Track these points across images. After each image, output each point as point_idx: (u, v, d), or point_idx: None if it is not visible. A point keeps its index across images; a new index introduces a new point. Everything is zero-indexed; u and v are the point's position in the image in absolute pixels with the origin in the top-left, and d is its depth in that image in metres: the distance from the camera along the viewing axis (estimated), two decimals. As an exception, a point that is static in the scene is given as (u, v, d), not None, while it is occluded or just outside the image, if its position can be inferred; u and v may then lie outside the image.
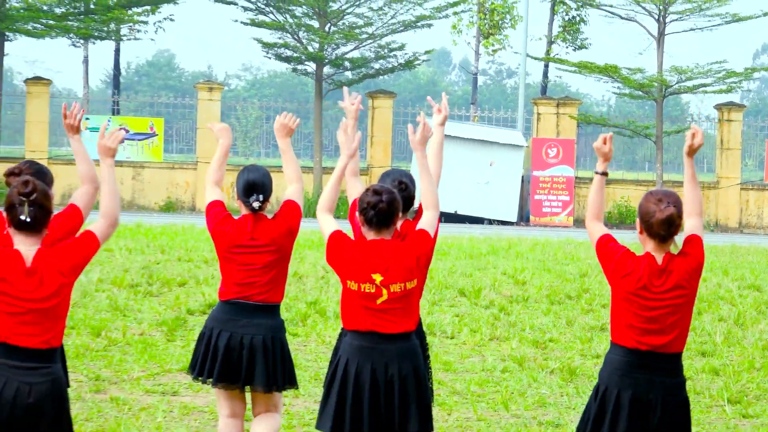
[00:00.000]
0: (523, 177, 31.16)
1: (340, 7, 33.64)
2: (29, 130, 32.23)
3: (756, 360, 11.56)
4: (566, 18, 37.90)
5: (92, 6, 33.33)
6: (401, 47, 34.34)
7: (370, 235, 6.01)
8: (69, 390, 5.86)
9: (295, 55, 33.70)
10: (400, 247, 5.99)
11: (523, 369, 10.81)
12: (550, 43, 38.07)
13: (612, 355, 5.71)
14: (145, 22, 35.23)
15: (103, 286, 14.19)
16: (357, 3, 33.66)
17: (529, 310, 14.10)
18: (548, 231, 28.08)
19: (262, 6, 33.71)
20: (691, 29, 34.21)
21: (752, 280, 17.21)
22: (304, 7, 33.28)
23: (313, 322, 12.63)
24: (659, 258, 5.64)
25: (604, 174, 5.88)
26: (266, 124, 37.56)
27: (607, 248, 5.72)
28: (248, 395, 6.94)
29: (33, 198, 5.30)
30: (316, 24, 33.48)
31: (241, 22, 34.06)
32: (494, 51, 39.10)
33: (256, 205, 6.67)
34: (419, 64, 36.31)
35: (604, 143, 5.87)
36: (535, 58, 36.74)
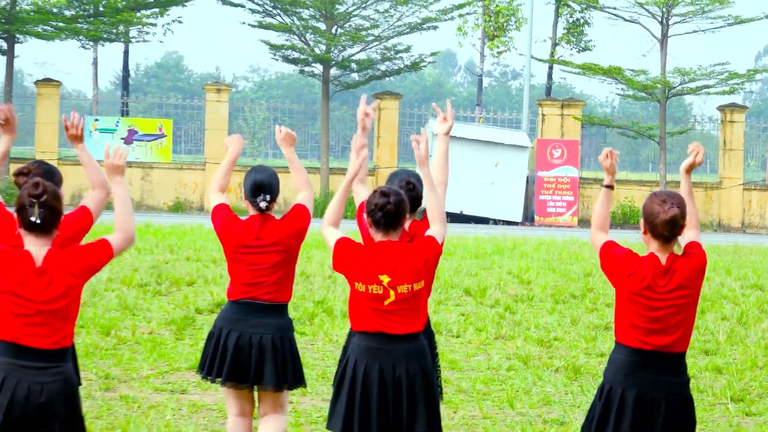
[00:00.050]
0: (527, 177, 31.19)
1: (347, 9, 33.71)
2: (39, 131, 32.31)
3: (759, 358, 11.58)
4: (570, 20, 37.93)
5: (101, 8, 33.41)
6: (407, 49, 34.43)
7: (377, 236, 6.03)
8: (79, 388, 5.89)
9: (302, 57, 33.80)
10: (408, 248, 6.00)
11: (528, 367, 10.84)
12: (555, 45, 38.09)
13: (616, 355, 5.74)
14: (154, 25, 35.31)
15: (112, 286, 14.24)
16: (363, 5, 33.75)
17: (534, 309, 14.13)
18: (553, 231, 28.10)
19: (270, 8, 33.80)
20: (694, 31, 34.23)
21: (755, 279, 17.22)
22: (311, 9, 33.37)
23: (321, 321, 12.68)
24: (663, 258, 5.66)
25: (610, 187, 5.89)
26: (273, 125, 37.66)
27: (610, 252, 5.74)
28: (255, 394, 6.97)
29: (43, 200, 5.31)
30: (322, 26, 33.57)
31: (249, 25, 34.14)
32: (499, 53, 39.13)
33: (263, 205, 6.69)
34: (425, 66, 36.44)
35: (607, 157, 5.89)
36: (540, 60, 36.79)
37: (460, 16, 36.23)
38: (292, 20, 33.65)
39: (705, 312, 14.07)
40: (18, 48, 33.05)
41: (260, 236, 6.69)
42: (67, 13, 33.46)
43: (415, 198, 6.60)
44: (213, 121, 32.87)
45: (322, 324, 12.51)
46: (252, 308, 6.71)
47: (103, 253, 5.46)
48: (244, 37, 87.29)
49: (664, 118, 33.23)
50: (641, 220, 5.75)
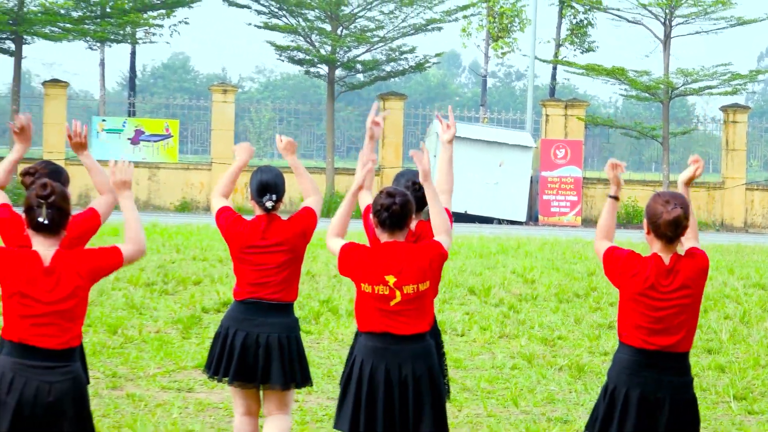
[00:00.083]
0: (531, 177, 31.22)
1: (352, 10, 33.78)
2: (47, 131, 32.39)
3: (761, 357, 11.60)
4: (574, 21, 37.99)
5: (108, 10, 33.47)
6: (412, 50, 34.50)
7: (383, 237, 6.05)
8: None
9: (307, 57, 33.87)
10: (413, 249, 6.01)
11: (532, 366, 10.86)
12: (558, 45, 38.15)
13: (620, 355, 5.76)
14: (161, 26, 35.39)
15: (119, 285, 14.26)
16: (368, 7, 33.82)
17: (538, 308, 14.16)
18: (556, 230, 28.10)
19: (275, 10, 33.88)
20: (697, 32, 34.26)
21: (757, 278, 17.23)
22: (316, 10, 33.45)
23: (326, 320, 12.71)
24: (666, 258, 5.69)
25: (616, 198, 5.91)
26: (279, 125, 37.78)
27: (612, 255, 5.76)
28: (260, 392, 6.98)
29: (51, 200, 5.34)
30: (328, 27, 33.64)
31: (255, 26, 34.22)
32: (503, 54, 39.24)
33: (269, 204, 6.71)
34: (429, 67, 36.53)
35: (612, 169, 5.91)
36: (544, 61, 36.82)
37: (465, 17, 36.31)
38: (298, 21, 33.73)
39: (708, 311, 14.09)
40: (25, 49, 33.16)
41: (266, 236, 6.71)
42: (75, 14, 33.52)
43: (421, 198, 6.57)
44: (219, 121, 32.97)
45: (328, 323, 12.55)
46: (258, 308, 6.72)
47: (112, 258, 5.49)
48: (250, 38, 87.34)
49: (667, 118, 33.28)
50: (644, 221, 5.78)
